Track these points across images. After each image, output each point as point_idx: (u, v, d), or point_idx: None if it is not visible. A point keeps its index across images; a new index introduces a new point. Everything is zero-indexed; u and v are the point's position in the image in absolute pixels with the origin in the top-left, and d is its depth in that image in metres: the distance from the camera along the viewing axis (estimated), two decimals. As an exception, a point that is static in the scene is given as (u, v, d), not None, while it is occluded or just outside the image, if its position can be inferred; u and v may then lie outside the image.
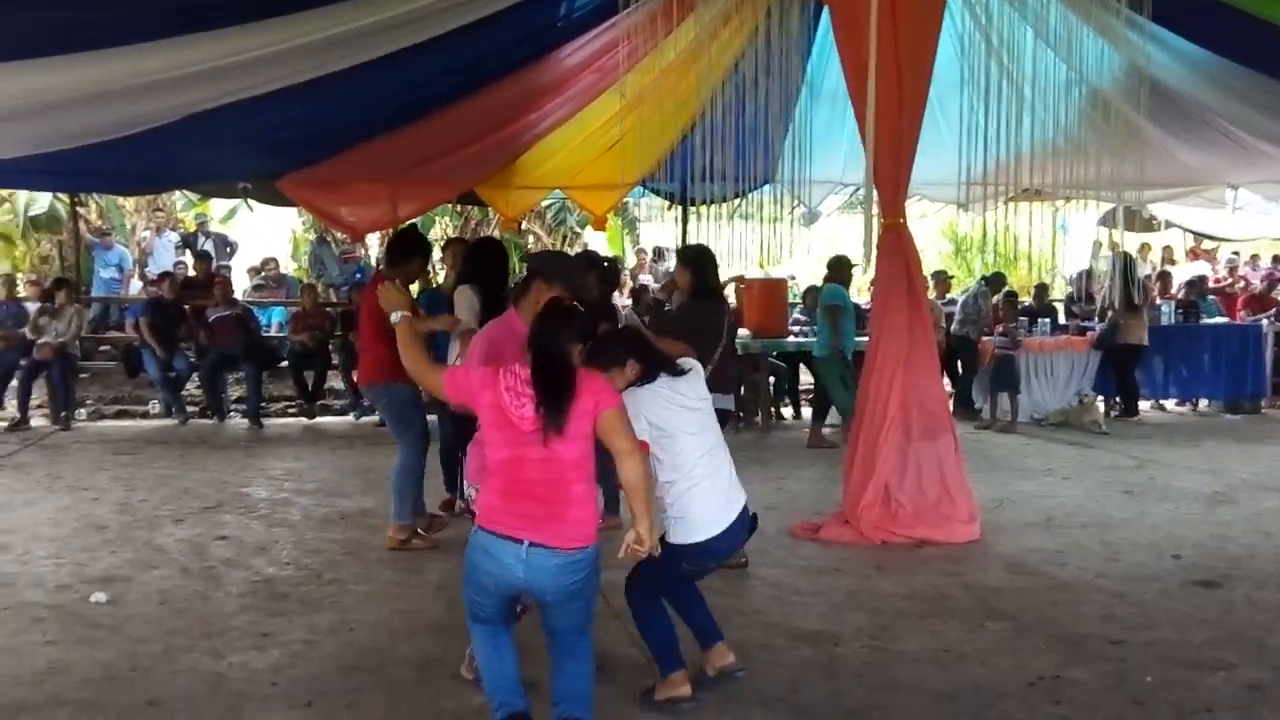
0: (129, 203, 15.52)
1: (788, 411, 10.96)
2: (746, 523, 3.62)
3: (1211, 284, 13.34)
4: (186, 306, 10.78)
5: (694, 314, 5.34)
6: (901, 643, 4.27)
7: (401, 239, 5.97)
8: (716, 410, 3.76)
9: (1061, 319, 11.94)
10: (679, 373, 3.56)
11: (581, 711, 3.16)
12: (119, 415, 10.77)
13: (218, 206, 15.52)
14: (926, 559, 5.51)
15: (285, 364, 10.86)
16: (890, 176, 6.11)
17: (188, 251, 13.32)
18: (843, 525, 5.94)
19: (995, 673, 3.95)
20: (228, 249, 13.85)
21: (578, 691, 3.17)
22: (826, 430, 9.30)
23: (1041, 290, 12.12)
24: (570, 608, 3.06)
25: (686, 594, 3.72)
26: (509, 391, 3.01)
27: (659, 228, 14.59)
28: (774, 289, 10.55)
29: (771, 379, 10.53)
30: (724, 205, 9.35)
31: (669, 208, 11.20)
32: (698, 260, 5.58)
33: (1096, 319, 11.09)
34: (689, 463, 3.48)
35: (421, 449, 5.68)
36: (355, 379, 6.00)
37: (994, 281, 10.78)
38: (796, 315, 11.13)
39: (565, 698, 3.17)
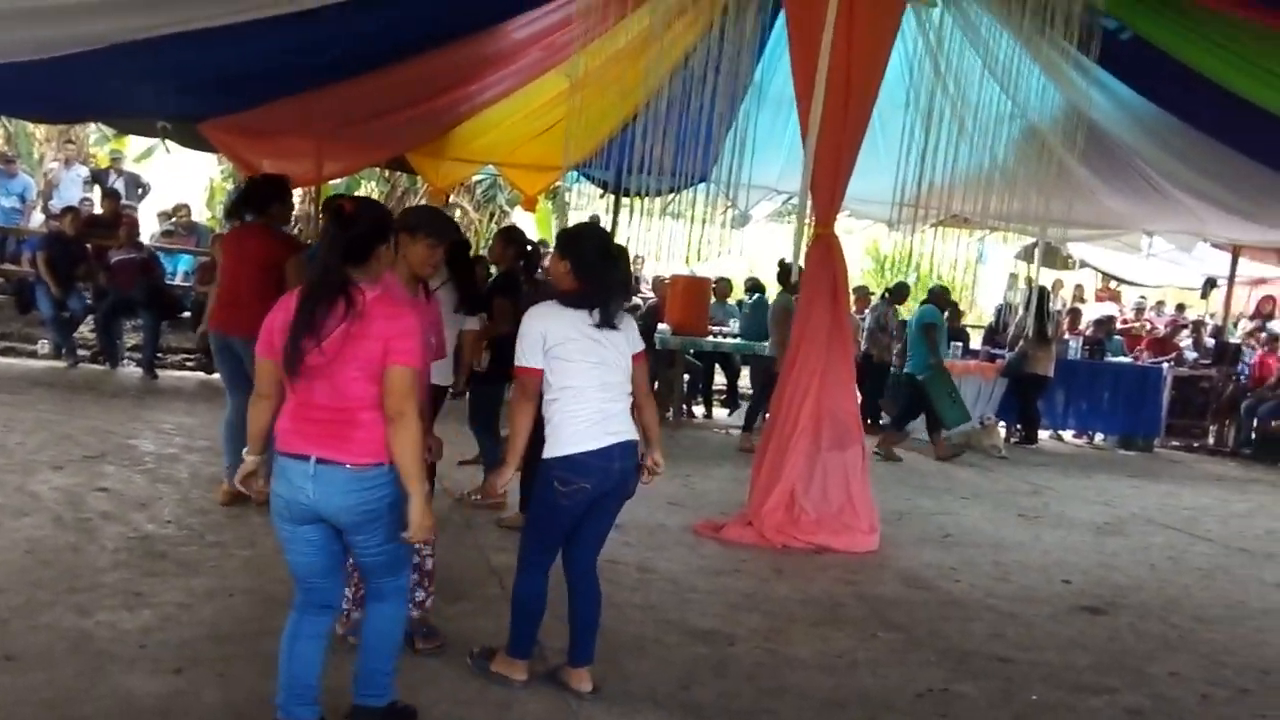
0: (39, 131, 14.83)
1: (699, 409, 10.96)
2: (630, 454, 3.42)
3: (1119, 324, 13.78)
4: (89, 245, 10.29)
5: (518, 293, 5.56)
6: (794, 647, 4.26)
7: (259, 184, 5.71)
8: None
9: (974, 344, 12.18)
10: (608, 324, 3.40)
11: (374, 698, 3.01)
12: (5, 353, 10.23)
13: (134, 145, 14.91)
14: (825, 566, 5.54)
15: (187, 315, 10.45)
16: (827, 186, 6.11)
17: (96, 188, 12.73)
18: (745, 527, 5.94)
19: (884, 683, 3.96)
20: (139, 190, 13.28)
21: (374, 669, 3.00)
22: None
23: (955, 314, 12.32)
24: (371, 535, 2.83)
25: (582, 584, 3.54)
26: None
27: (588, 215, 14.49)
28: (696, 287, 10.53)
29: (686, 376, 10.52)
30: (657, 199, 9.29)
31: (601, 196, 11.10)
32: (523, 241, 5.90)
33: (1007, 348, 11.35)
34: (576, 384, 3.33)
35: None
36: (212, 326, 5.63)
37: (896, 293, 10.88)
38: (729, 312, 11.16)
39: (362, 677, 3.02)
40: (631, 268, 3.62)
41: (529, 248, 6.38)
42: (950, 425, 9.40)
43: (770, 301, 9.68)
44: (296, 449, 2.78)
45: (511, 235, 6.40)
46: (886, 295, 10.95)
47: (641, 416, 3.52)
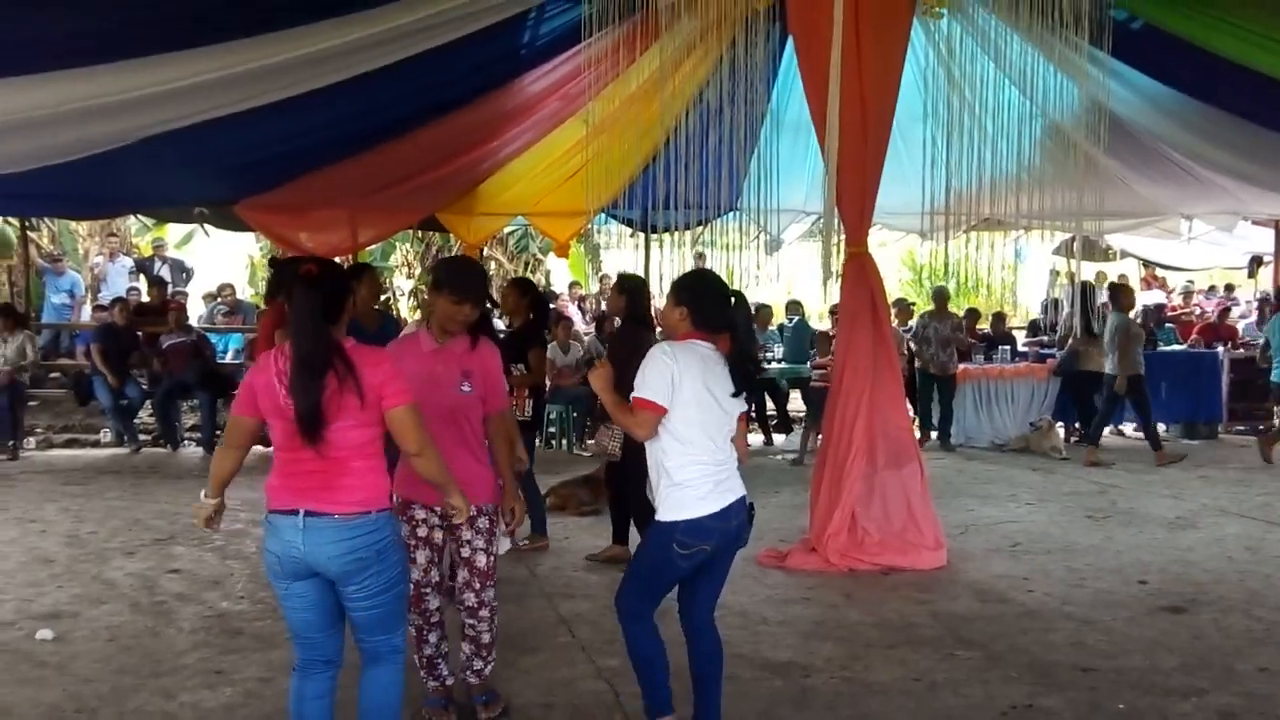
0: (82, 227, 15.23)
1: (755, 437, 10.91)
2: (743, 509, 3.37)
3: (1169, 311, 13.55)
4: (140, 333, 10.55)
5: (628, 340, 5.42)
6: (872, 673, 4.22)
7: (277, 268, 5.80)
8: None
9: (1021, 346, 12.05)
10: (741, 381, 3.35)
11: None
12: (69, 444, 10.48)
13: (174, 231, 15.29)
14: (894, 587, 5.49)
15: (241, 392, 10.65)
16: (855, 204, 6.12)
17: (142, 276, 13.08)
18: (809, 553, 5.91)
19: (967, 703, 3.91)
20: (184, 274, 13.63)
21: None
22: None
23: (999, 318, 12.23)
24: (362, 584, 2.87)
25: (703, 638, 3.44)
26: (279, 375, 2.86)
27: (620, 254, 14.64)
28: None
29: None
30: (687, 233, 9.35)
31: (631, 235, 11.20)
32: (635, 289, 5.82)
33: (1056, 347, 11.21)
34: (698, 441, 3.26)
35: None
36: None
37: (937, 298, 10.76)
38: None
39: None
40: (751, 314, 3.45)
41: (540, 297, 6.47)
42: None
43: (1116, 321, 9.61)
44: (286, 505, 2.86)
45: (526, 286, 6.48)
46: (930, 310, 10.83)
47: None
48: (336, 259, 10.20)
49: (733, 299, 3.41)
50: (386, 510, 2.93)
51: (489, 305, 4.02)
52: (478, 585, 3.65)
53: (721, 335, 3.38)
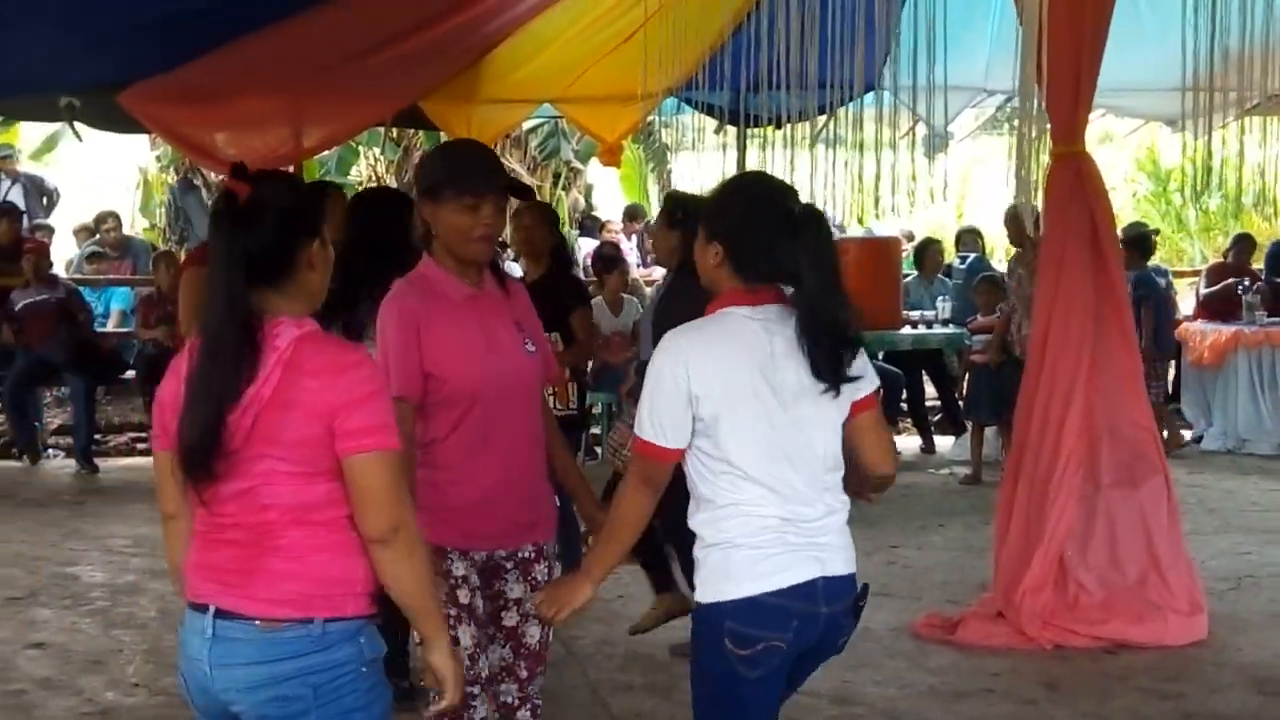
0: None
1: (905, 441, 10.89)
2: (845, 592, 3.04)
3: None
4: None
5: (684, 302, 4.81)
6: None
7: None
8: None
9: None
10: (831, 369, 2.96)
11: None
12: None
13: (28, 135, 15.55)
14: (1125, 672, 5.47)
15: (131, 374, 10.83)
16: (1066, 80, 6.07)
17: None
18: (993, 620, 5.91)
19: None
20: (44, 198, 13.85)
21: None
22: None
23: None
24: None
25: None
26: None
27: (699, 159, 14.59)
28: (880, 254, 10.49)
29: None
30: (802, 125, 9.30)
31: (717, 129, 11.17)
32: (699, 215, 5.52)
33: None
34: (746, 466, 2.94)
35: None
36: None
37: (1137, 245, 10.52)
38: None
39: None
40: (828, 240, 3.06)
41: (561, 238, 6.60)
42: None
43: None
44: (197, 593, 2.67)
45: (549, 216, 6.60)
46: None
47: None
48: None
49: (797, 216, 3.02)
50: (349, 620, 2.63)
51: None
52: (525, 673, 3.52)
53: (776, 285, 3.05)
